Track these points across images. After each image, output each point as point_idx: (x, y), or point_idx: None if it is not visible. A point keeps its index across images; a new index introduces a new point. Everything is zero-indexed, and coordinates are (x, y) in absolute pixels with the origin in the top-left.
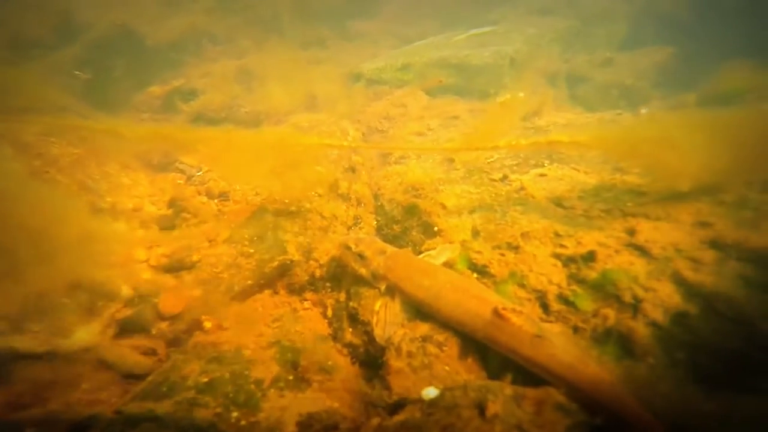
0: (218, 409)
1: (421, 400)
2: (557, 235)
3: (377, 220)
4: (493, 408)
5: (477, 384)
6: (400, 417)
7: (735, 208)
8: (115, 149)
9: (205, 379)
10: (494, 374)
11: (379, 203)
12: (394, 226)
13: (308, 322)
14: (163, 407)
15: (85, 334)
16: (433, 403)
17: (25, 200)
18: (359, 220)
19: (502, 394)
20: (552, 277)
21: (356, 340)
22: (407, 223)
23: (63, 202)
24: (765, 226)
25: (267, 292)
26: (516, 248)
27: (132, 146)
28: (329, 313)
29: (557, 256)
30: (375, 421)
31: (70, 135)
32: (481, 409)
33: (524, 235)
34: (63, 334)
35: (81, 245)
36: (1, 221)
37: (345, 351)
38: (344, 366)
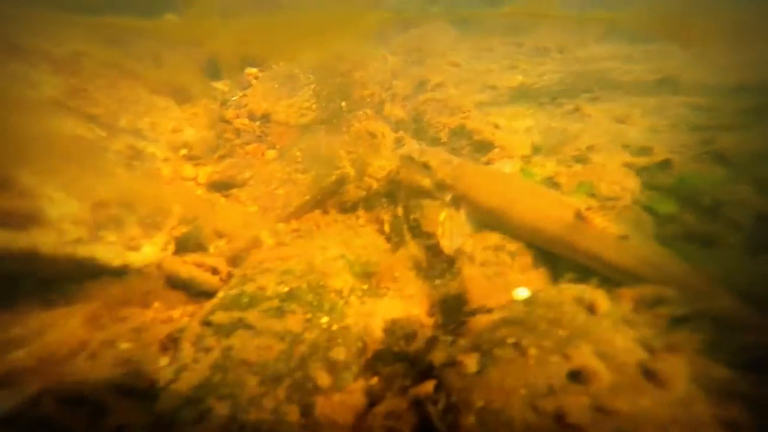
0: (308, 315)
1: (512, 302)
2: (626, 146)
3: (419, 143)
4: (599, 303)
5: (569, 285)
6: (496, 315)
7: None
8: (144, 75)
9: (286, 289)
10: None
11: (419, 126)
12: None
13: (367, 237)
14: (253, 315)
15: (151, 249)
16: (530, 301)
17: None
18: (402, 141)
19: (599, 293)
20: (625, 184)
21: (419, 253)
22: (456, 144)
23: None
24: None
25: (317, 211)
26: (583, 160)
27: (162, 73)
28: (386, 228)
29: (629, 165)
30: (477, 319)
31: (101, 55)
32: (584, 304)
33: (590, 147)
34: (132, 247)
35: (127, 161)
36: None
37: (408, 264)
38: (411, 277)
